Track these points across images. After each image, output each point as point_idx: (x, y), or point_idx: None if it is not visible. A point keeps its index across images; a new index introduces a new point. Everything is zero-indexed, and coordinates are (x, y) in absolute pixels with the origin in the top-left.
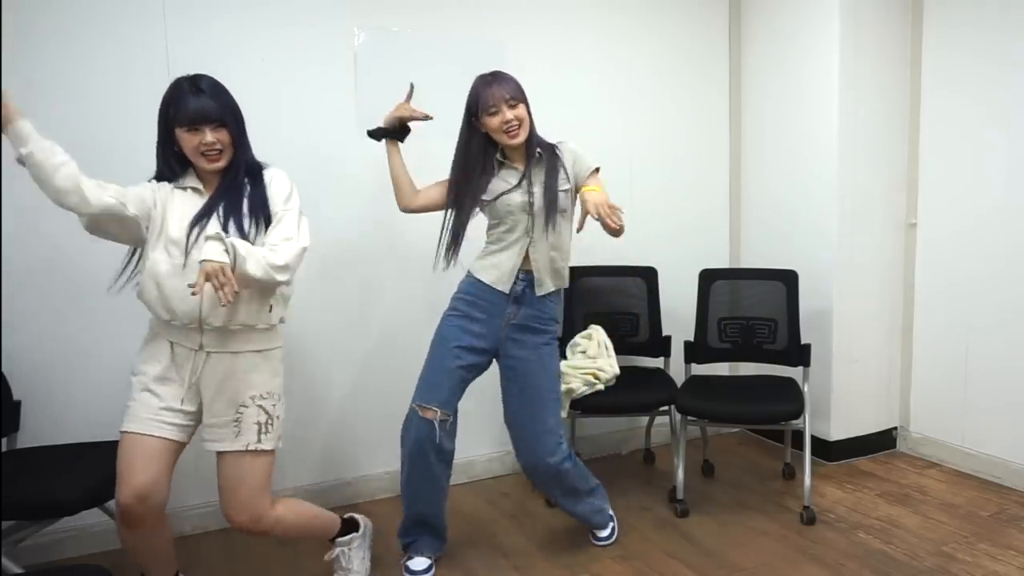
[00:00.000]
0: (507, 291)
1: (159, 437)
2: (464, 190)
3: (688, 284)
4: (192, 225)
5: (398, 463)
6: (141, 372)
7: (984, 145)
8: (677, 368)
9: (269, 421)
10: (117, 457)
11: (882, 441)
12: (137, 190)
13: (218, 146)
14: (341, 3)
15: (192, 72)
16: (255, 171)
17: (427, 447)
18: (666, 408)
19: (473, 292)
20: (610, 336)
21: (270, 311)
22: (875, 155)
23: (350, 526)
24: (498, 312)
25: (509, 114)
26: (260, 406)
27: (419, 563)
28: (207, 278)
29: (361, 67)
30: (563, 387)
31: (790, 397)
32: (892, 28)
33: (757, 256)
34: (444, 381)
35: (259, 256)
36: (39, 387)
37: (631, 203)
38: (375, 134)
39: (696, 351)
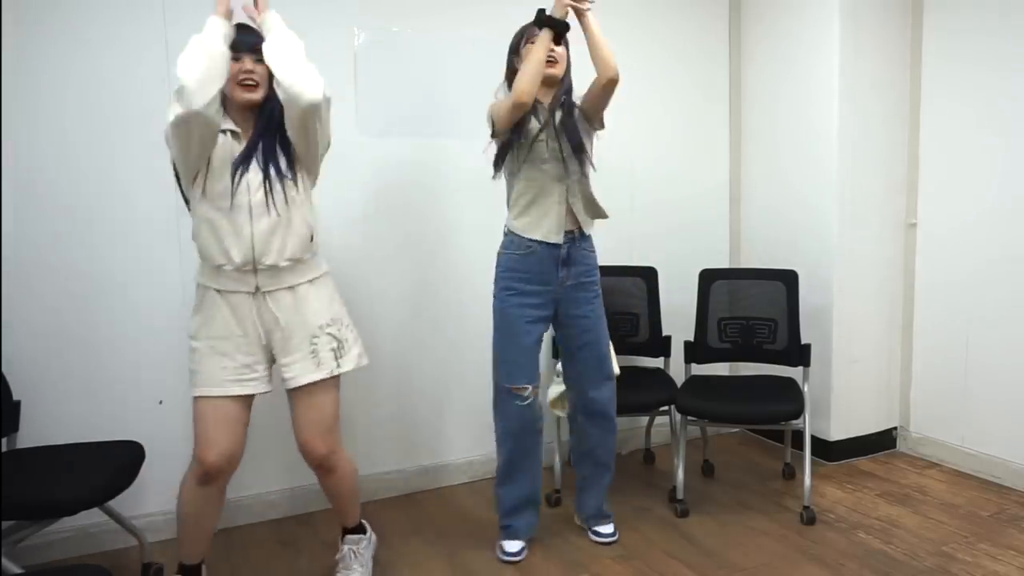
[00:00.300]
0: (560, 242)
1: (239, 396)
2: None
3: (688, 284)
4: (234, 169)
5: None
6: (205, 336)
7: (984, 145)
8: (677, 368)
9: (341, 345)
10: (197, 420)
11: (882, 441)
12: None
13: (256, 76)
14: (341, 3)
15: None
16: (283, 127)
17: (527, 425)
18: (666, 408)
19: (519, 267)
20: (610, 336)
21: (311, 240)
22: (875, 155)
23: (359, 529)
24: (550, 279)
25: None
26: (329, 334)
27: (514, 545)
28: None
29: (361, 67)
30: (562, 388)
31: (790, 397)
32: (892, 29)
33: (757, 256)
34: (527, 359)
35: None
36: (39, 387)
37: (631, 203)
38: (543, 22)
39: (696, 351)
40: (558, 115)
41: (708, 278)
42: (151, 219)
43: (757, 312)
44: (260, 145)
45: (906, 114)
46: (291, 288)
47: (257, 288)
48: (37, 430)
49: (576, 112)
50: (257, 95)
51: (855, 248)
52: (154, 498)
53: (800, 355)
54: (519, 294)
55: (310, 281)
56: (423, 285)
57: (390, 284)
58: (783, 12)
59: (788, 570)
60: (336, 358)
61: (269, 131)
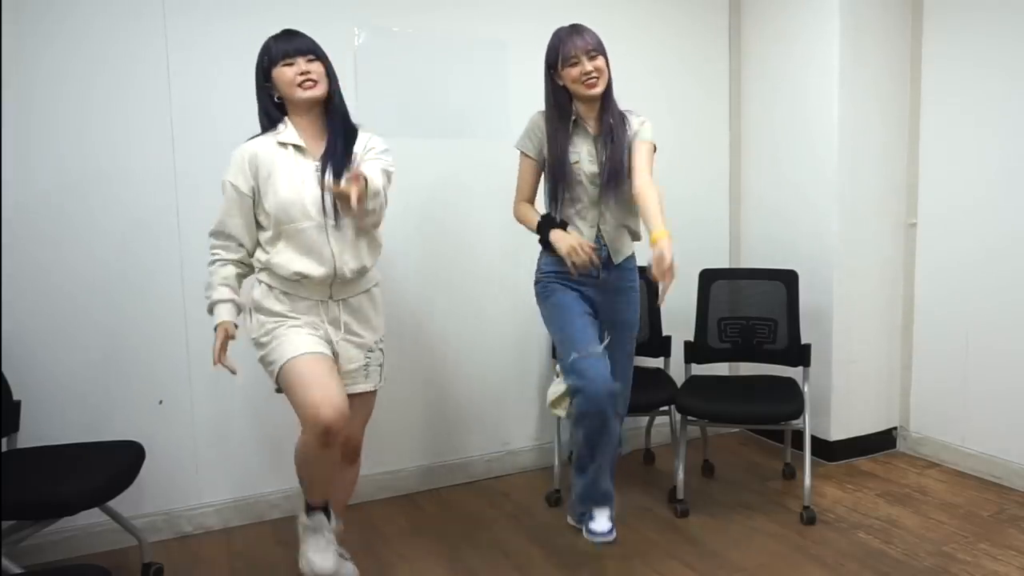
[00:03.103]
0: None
1: (329, 355)
2: (556, 144)
3: (688, 284)
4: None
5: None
6: (280, 314)
7: (984, 145)
8: (677, 368)
9: (383, 362)
10: (297, 384)
11: (882, 441)
12: (240, 222)
13: (313, 75)
14: (341, 3)
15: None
16: (352, 130)
17: (602, 389)
18: (666, 408)
19: (561, 267)
20: None
21: (380, 248)
22: (875, 155)
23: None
24: (591, 281)
25: (589, 65)
26: (380, 349)
27: (603, 523)
28: (356, 190)
29: (361, 67)
30: (563, 388)
31: (790, 397)
32: (892, 28)
33: (757, 256)
34: (588, 327)
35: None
36: (39, 387)
37: None
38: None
39: (696, 351)
40: (607, 144)
41: (708, 278)
42: (151, 218)
43: (757, 312)
44: (331, 165)
45: (906, 114)
46: (355, 296)
47: (330, 296)
48: (37, 430)
49: (625, 137)
50: (318, 92)
51: (855, 248)
52: (154, 498)
53: (800, 355)
54: (567, 288)
55: (366, 291)
56: (425, 284)
57: (391, 283)
58: (783, 12)
59: (788, 570)
60: (381, 373)
61: (335, 150)
